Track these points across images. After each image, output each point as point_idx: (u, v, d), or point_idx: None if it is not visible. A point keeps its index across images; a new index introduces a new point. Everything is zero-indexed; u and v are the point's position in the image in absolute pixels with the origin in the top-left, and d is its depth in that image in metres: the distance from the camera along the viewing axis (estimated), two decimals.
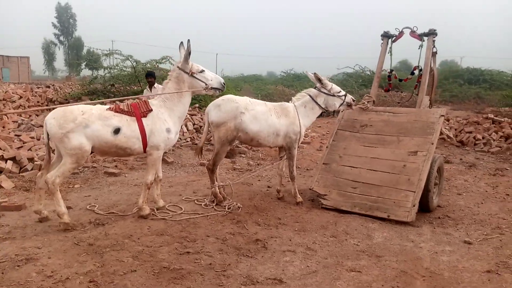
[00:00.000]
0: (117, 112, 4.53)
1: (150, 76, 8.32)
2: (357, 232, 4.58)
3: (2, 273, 3.33)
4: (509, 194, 6.40)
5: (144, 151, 4.69)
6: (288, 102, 5.83)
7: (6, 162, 6.22)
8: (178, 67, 4.89)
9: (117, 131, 4.43)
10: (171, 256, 3.77)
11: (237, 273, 3.49)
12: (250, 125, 5.24)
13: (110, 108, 4.60)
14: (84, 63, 23.04)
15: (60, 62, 66.75)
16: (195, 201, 5.54)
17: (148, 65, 14.21)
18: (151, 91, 8.04)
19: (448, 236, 4.55)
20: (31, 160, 6.59)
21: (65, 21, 65.37)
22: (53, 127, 4.28)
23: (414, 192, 4.96)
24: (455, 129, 12.11)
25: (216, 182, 5.47)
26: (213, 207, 5.27)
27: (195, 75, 4.89)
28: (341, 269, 3.63)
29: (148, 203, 4.90)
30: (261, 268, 3.61)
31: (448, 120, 13.83)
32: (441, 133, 11.36)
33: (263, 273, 3.51)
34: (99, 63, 20.74)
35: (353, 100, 5.94)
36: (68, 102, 12.29)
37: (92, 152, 4.59)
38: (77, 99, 13.15)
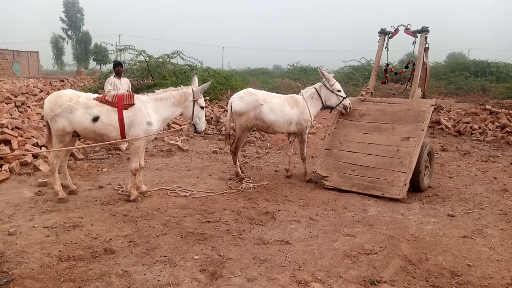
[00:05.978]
0: (101, 102, 4.97)
1: (119, 65, 8.44)
2: (354, 207, 5.23)
3: (57, 235, 4.04)
4: (497, 178, 6.99)
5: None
6: (298, 94, 6.56)
7: (41, 148, 6.94)
8: (192, 88, 5.29)
9: (95, 119, 4.87)
10: (194, 224, 4.46)
11: (250, 236, 4.16)
12: (267, 115, 6.06)
13: (96, 98, 5.02)
14: (92, 57, 23.62)
15: (68, 56, 67.40)
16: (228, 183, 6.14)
17: (160, 59, 14.80)
18: (119, 79, 8.15)
19: (434, 211, 5.19)
20: None
21: (72, 15, 65.92)
22: (46, 109, 4.97)
23: (406, 173, 5.59)
24: (454, 120, 12.61)
25: (237, 163, 6.31)
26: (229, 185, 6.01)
27: (196, 103, 5.25)
28: (338, 234, 4.29)
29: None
30: (271, 233, 4.28)
31: (449, 111, 14.36)
32: (440, 123, 11.91)
33: (272, 236, 4.18)
34: (107, 57, 21.08)
35: (350, 106, 6.49)
36: None
37: (79, 136, 5.19)
38: (95, 92, 13.82)
